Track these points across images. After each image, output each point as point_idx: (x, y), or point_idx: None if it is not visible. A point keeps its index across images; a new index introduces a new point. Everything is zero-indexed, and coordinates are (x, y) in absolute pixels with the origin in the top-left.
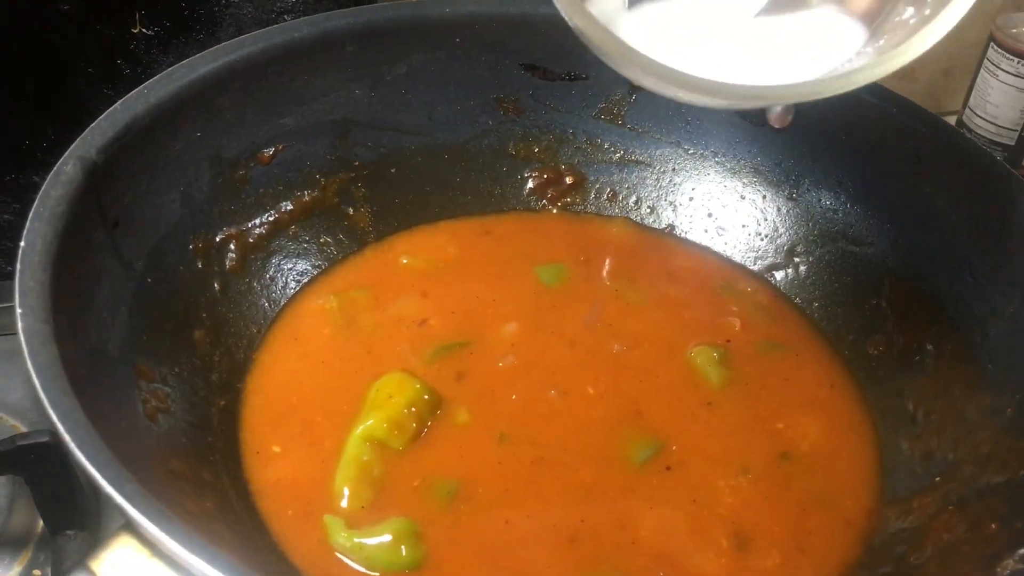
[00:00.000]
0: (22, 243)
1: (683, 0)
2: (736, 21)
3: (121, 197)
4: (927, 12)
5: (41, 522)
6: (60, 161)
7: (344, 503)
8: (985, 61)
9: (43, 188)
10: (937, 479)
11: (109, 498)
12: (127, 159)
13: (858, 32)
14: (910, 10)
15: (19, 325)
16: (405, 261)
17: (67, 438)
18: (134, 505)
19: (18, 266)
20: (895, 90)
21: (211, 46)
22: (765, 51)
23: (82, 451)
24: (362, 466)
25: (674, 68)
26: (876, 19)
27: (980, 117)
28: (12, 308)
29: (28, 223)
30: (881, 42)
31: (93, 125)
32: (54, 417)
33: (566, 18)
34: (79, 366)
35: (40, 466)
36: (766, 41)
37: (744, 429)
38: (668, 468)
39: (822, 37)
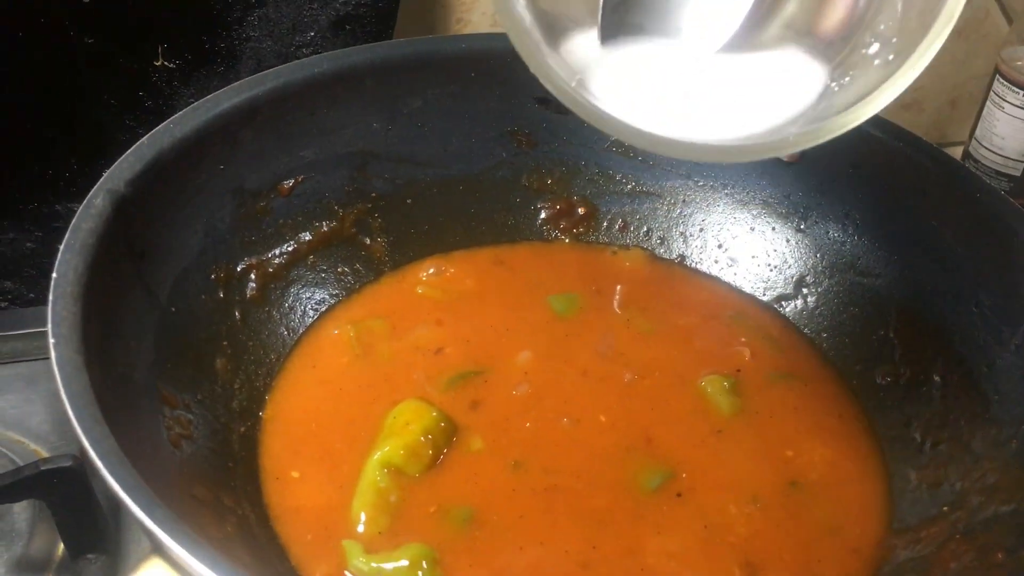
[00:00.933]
0: (54, 274)
1: (652, 41)
2: (702, 62)
3: (147, 228)
4: (891, 57)
5: (62, 545)
6: (90, 194)
7: (361, 528)
8: (991, 93)
9: (74, 220)
10: (945, 508)
11: (140, 523)
12: (153, 191)
13: (820, 70)
14: (875, 46)
15: (52, 354)
16: (421, 291)
17: (100, 465)
18: (165, 530)
19: (50, 296)
20: (900, 121)
21: (231, 79)
22: (732, 98)
23: (115, 477)
24: (379, 492)
25: (644, 131)
26: (840, 52)
27: (986, 148)
28: (32, 335)
29: (60, 254)
30: (846, 79)
31: (121, 159)
32: (87, 444)
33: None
34: (107, 394)
35: (63, 490)
36: (732, 86)
37: (754, 457)
38: (679, 495)
39: (786, 77)
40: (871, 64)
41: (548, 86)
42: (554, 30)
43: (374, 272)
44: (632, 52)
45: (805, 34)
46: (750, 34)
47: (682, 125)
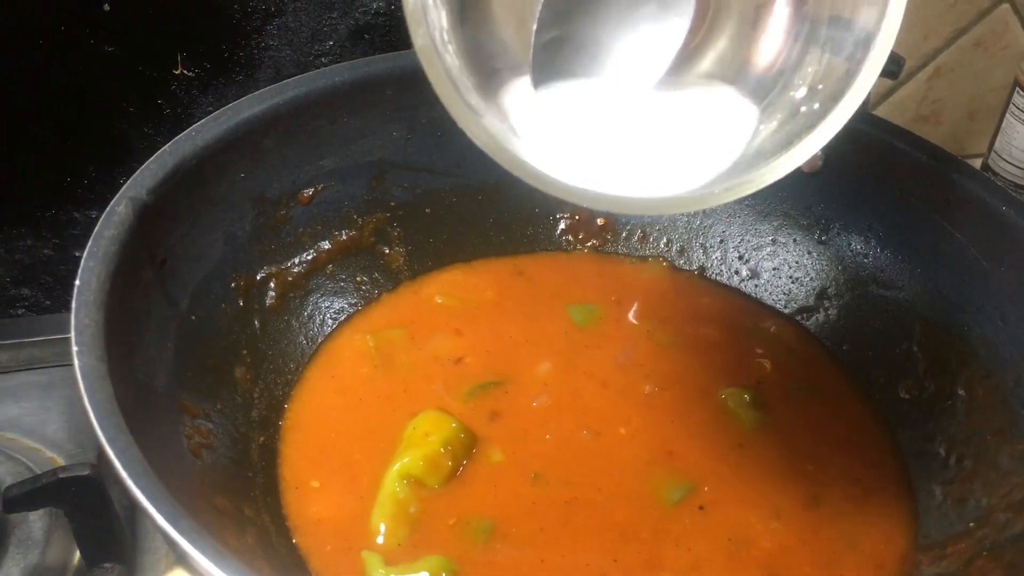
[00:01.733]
0: (77, 281)
1: (584, 83)
2: (634, 104)
3: (169, 236)
4: (816, 106)
5: (78, 554)
6: (113, 201)
7: (380, 540)
8: (1010, 105)
9: (96, 228)
10: (971, 525)
11: (165, 535)
12: (175, 199)
13: (751, 112)
14: (803, 90)
15: (76, 362)
16: (439, 300)
17: (124, 475)
18: (191, 542)
19: (73, 304)
20: (918, 133)
21: (250, 87)
22: (663, 141)
23: (140, 488)
24: (398, 503)
25: (573, 186)
26: (770, 92)
27: (1005, 161)
28: (49, 342)
29: (83, 261)
30: (774, 123)
31: (144, 166)
32: (111, 454)
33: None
34: (129, 403)
35: (80, 499)
36: (662, 128)
37: (776, 471)
38: (700, 508)
39: (717, 118)
40: (798, 110)
41: (474, 140)
42: (486, 74)
43: (392, 281)
44: (565, 96)
45: (735, 73)
46: (680, 73)
47: (612, 175)
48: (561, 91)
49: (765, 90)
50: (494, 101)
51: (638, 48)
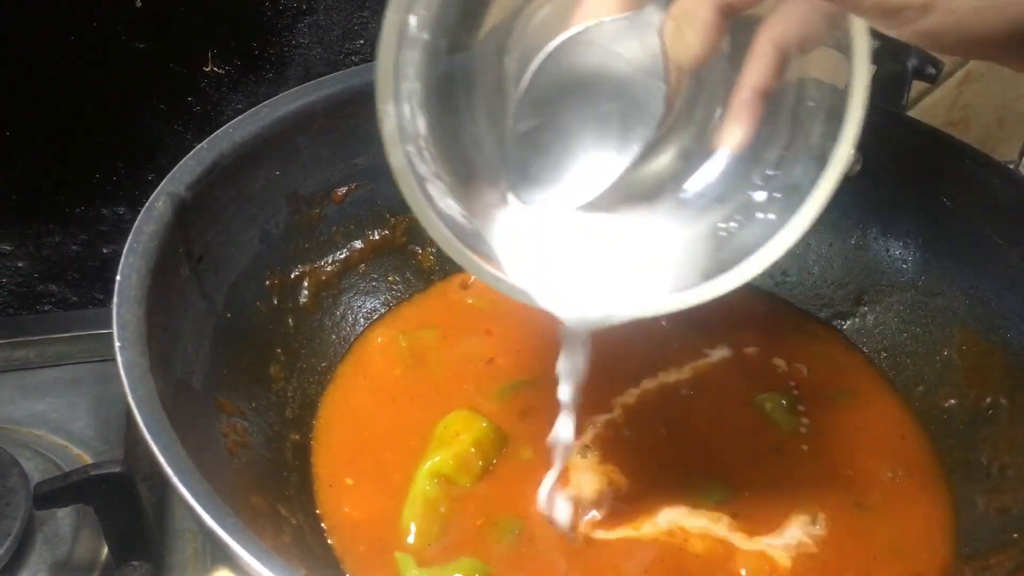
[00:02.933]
0: (118, 276)
1: (549, 194)
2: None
3: (205, 233)
4: (772, 216)
5: (106, 551)
6: (152, 197)
7: (411, 539)
8: None
9: (136, 223)
10: (1015, 535)
11: (210, 533)
12: (212, 196)
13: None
14: (763, 195)
15: (119, 358)
16: (471, 301)
17: (170, 472)
18: (237, 540)
19: (115, 299)
20: None
21: (280, 85)
22: (619, 249)
23: (184, 485)
24: (429, 503)
25: (532, 296)
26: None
27: None
28: (77, 338)
29: (123, 257)
30: (733, 224)
31: (181, 163)
32: (156, 451)
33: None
34: (169, 400)
35: (110, 496)
36: (619, 234)
37: (814, 476)
38: (736, 515)
39: (675, 226)
40: (755, 216)
41: (440, 243)
42: (462, 176)
43: (424, 281)
44: (532, 206)
45: (688, 176)
46: (637, 178)
47: (571, 283)
48: (529, 202)
49: (721, 195)
50: (467, 201)
51: (603, 149)
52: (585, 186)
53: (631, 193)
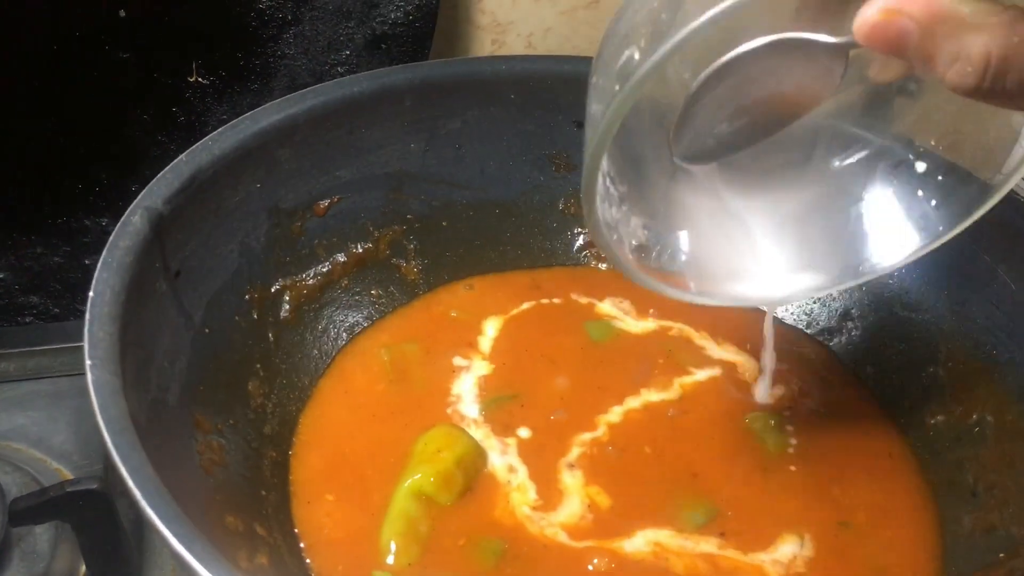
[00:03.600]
0: (91, 293)
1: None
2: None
3: (183, 247)
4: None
5: (83, 568)
6: (128, 211)
7: (391, 559)
8: None
9: (111, 238)
10: (1001, 555)
11: (178, 557)
12: (190, 209)
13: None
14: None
15: (89, 377)
16: (455, 315)
17: (138, 495)
18: (205, 565)
19: (87, 316)
20: None
21: (265, 96)
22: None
23: (152, 507)
24: (409, 521)
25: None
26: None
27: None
28: (57, 351)
29: (97, 272)
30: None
31: (159, 176)
32: (125, 473)
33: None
34: (143, 418)
35: (88, 513)
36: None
37: (801, 496)
38: (723, 535)
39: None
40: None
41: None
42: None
43: (408, 295)
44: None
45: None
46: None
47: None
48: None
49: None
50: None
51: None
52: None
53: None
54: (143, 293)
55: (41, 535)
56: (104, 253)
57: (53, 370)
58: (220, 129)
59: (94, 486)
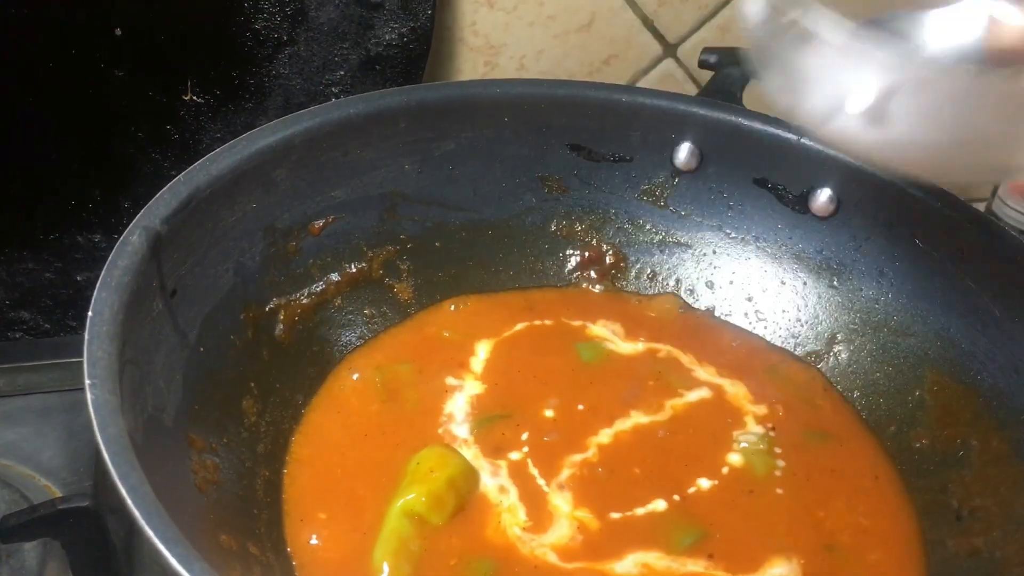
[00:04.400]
0: (90, 312)
1: None
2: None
3: (180, 266)
4: None
5: None
6: (127, 231)
7: None
8: None
9: (110, 257)
10: None
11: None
12: (187, 229)
13: None
14: None
15: (89, 396)
16: (447, 335)
17: (137, 515)
18: None
19: (86, 335)
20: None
21: (259, 115)
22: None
23: (152, 528)
24: (401, 541)
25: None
26: None
27: (1010, 207)
28: (47, 366)
29: (96, 292)
30: None
31: (157, 196)
32: (124, 493)
33: None
34: (140, 437)
35: (78, 530)
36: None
37: (787, 518)
38: (711, 556)
39: None
40: None
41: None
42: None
43: (400, 315)
44: None
45: None
46: None
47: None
48: None
49: None
50: None
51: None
52: None
53: None
54: (140, 312)
55: (30, 552)
56: (103, 273)
57: (43, 386)
58: (217, 150)
59: (85, 503)
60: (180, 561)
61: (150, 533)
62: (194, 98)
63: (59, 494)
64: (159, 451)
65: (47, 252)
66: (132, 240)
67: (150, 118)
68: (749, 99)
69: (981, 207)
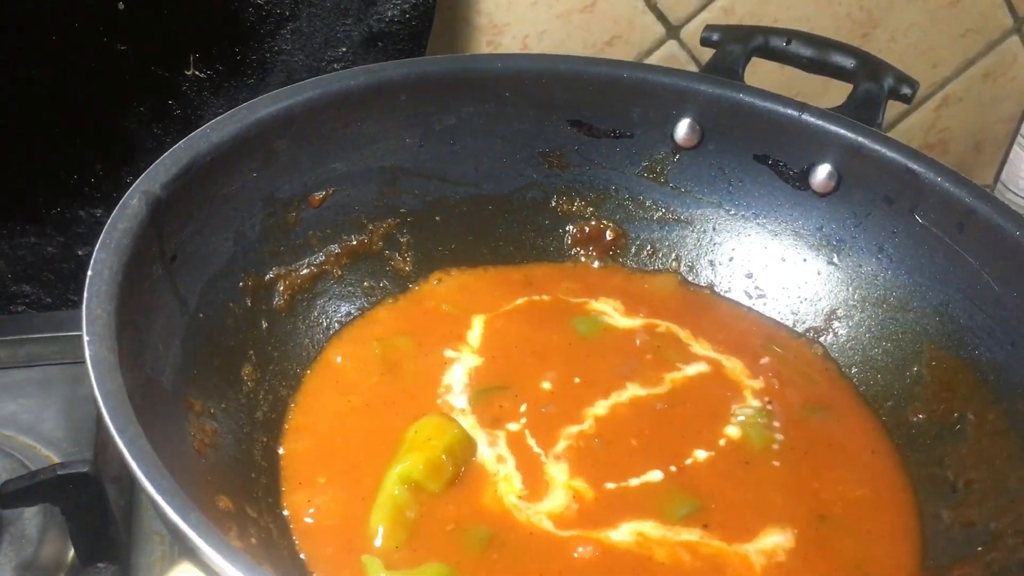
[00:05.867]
0: (89, 272)
1: None
2: None
3: (179, 232)
4: None
5: (72, 553)
6: (126, 195)
7: (378, 542)
8: (1018, 136)
9: (110, 220)
10: (979, 549)
11: (173, 526)
12: (187, 196)
13: None
14: None
15: (86, 352)
16: (446, 308)
17: (133, 465)
18: (199, 534)
19: (85, 294)
20: None
21: (261, 91)
22: None
23: (148, 478)
24: (397, 507)
25: None
26: None
27: (1012, 192)
28: (48, 339)
29: (95, 252)
30: None
31: (157, 162)
32: (121, 444)
33: None
34: (138, 396)
35: (77, 496)
36: None
37: (783, 490)
38: (706, 526)
39: None
40: None
41: None
42: None
43: (399, 287)
44: None
45: None
46: None
47: None
48: None
49: None
50: None
51: None
52: None
53: None
54: (139, 275)
55: (30, 520)
56: (103, 234)
57: (44, 358)
58: (218, 118)
59: (84, 469)
60: (177, 511)
61: (147, 484)
62: (196, 73)
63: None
64: (157, 412)
65: (49, 226)
66: (132, 204)
67: (153, 93)
68: (750, 76)
69: None
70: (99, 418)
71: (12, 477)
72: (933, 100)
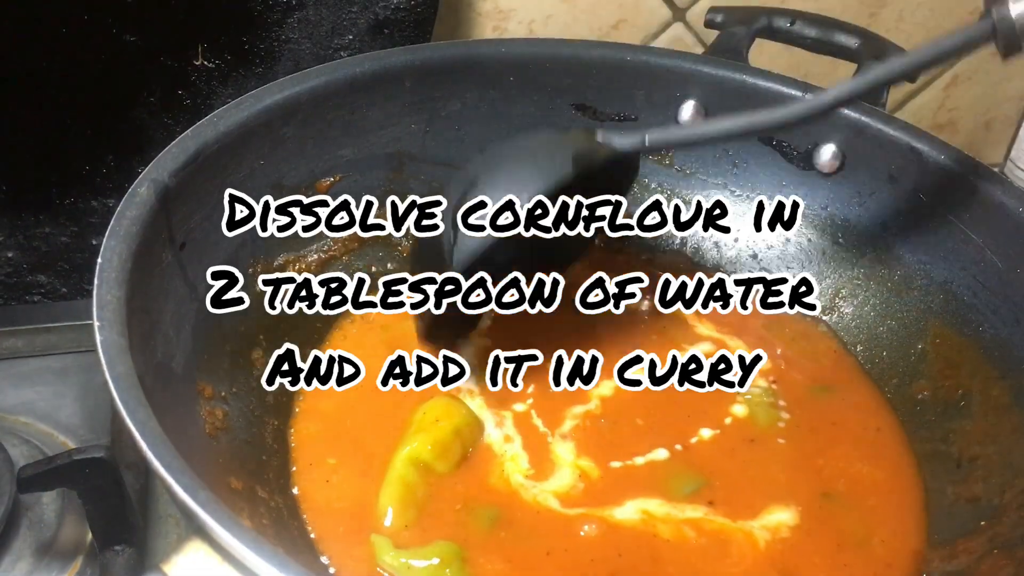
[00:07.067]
0: (99, 259)
1: None
2: None
3: (188, 220)
4: None
5: (89, 536)
6: (135, 183)
7: (388, 522)
8: None
9: (119, 208)
10: (983, 523)
11: (182, 505)
12: (196, 183)
13: None
14: None
15: (97, 337)
16: None
17: (144, 446)
18: (208, 512)
19: (96, 280)
20: None
21: (269, 80)
22: None
23: (159, 459)
24: (406, 487)
25: None
26: None
27: (1021, 170)
28: (64, 328)
29: (105, 240)
30: None
31: (165, 150)
32: (132, 426)
33: None
34: (149, 381)
35: (94, 481)
36: None
37: (788, 467)
38: (711, 503)
39: None
40: None
41: None
42: None
43: (407, 272)
44: None
45: None
46: None
47: None
48: None
49: None
50: None
51: None
52: None
53: None
54: (149, 262)
55: (48, 505)
56: (112, 222)
57: (60, 347)
58: (226, 106)
59: (100, 454)
60: (187, 491)
61: (157, 464)
62: (205, 63)
63: None
64: (168, 396)
65: (63, 217)
66: (140, 192)
67: (162, 83)
68: (755, 57)
69: None
70: (113, 404)
71: (30, 462)
72: (942, 79)
